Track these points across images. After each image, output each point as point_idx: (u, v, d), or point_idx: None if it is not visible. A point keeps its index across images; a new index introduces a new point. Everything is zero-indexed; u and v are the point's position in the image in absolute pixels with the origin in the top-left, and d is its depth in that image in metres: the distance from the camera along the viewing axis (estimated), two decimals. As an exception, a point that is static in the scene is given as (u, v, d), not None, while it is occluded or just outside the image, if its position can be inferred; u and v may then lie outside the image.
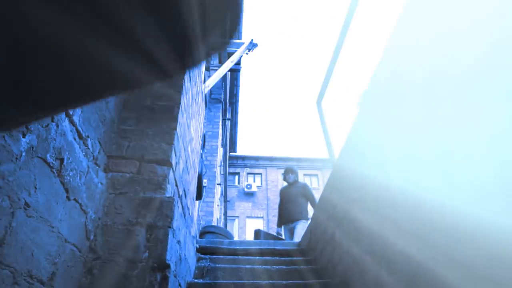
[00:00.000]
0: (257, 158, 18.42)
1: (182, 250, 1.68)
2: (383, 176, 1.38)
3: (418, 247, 1.06)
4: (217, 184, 7.67)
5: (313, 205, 4.90)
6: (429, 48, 1.09)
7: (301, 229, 4.59)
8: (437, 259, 0.94)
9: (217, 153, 7.60)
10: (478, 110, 0.80)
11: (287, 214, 4.82)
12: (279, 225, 4.95)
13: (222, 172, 9.97)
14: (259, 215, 17.57)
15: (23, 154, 0.85)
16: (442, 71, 0.99)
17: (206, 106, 7.40)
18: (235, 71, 6.40)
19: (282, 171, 5.37)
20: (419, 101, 1.11)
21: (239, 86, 9.92)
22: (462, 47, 0.90)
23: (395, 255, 1.23)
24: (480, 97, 0.80)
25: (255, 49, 5.17)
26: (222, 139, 9.33)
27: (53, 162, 0.99)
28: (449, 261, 0.89)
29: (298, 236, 4.51)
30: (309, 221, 4.84)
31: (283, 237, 4.70)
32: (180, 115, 1.74)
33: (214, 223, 7.13)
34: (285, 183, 5.26)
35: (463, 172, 0.85)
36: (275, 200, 15.48)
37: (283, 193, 5.13)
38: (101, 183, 1.38)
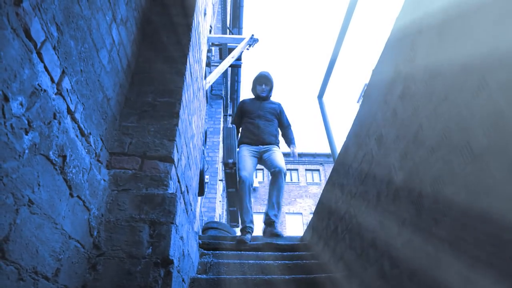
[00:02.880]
0: (258, 154, 18.34)
1: (185, 246, 1.69)
2: (385, 170, 1.38)
3: (421, 239, 1.06)
4: (219, 180, 7.69)
5: (287, 128, 3.74)
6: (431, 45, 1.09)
7: (281, 159, 3.39)
8: (441, 250, 0.95)
9: (218, 149, 7.61)
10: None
11: (256, 133, 3.45)
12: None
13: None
14: (261, 211, 17.58)
15: (26, 151, 0.85)
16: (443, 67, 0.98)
17: (207, 102, 7.39)
18: (236, 66, 6.38)
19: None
20: (422, 95, 1.11)
21: (240, 82, 9.92)
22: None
23: (397, 249, 1.24)
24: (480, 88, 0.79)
25: (256, 44, 5.10)
26: (224, 135, 9.30)
27: (56, 159, 1.00)
28: (453, 253, 0.89)
29: (280, 163, 3.30)
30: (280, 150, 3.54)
31: (240, 164, 3.33)
32: (181, 112, 1.74)
33: (217, 219, 7.16)
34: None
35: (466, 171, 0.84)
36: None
37: (249, 106, 3.64)
38: (104, 180, 1.38)
